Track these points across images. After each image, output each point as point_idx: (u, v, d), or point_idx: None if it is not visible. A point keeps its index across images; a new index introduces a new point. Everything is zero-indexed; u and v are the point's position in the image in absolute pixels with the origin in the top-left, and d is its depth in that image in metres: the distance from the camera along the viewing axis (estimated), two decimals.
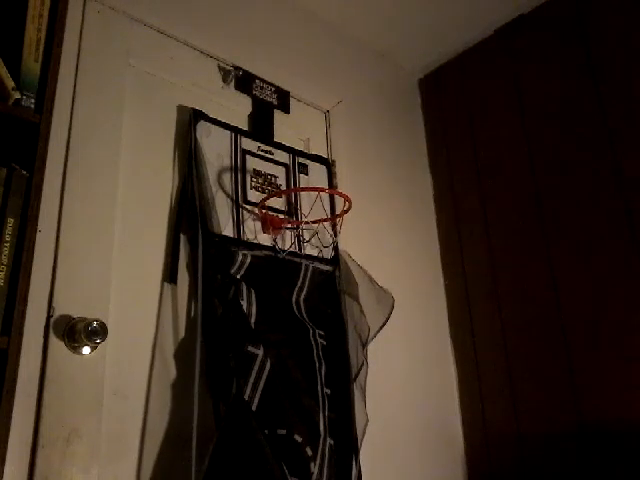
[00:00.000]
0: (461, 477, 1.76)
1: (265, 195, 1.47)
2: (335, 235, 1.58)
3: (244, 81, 1.60)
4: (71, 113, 1.24)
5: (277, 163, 1.57)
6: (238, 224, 1.41)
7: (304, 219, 1.53)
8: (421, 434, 1.70)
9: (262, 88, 1.64)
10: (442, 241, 2.02)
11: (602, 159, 1.63)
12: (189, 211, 1.32)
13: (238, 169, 1.47)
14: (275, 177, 1.55)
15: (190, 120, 1.40)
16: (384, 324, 1.51)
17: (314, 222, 1.52)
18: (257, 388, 1.21)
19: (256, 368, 1.22)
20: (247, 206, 1.45)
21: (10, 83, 0.97)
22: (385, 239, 1.84)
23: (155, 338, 1.23)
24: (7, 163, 0.97)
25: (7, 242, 0.92)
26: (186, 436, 1.15)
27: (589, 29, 1.73)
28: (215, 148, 1.43)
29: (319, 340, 1.39)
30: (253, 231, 1.45)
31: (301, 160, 1.64)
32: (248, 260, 1.36)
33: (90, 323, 1.05)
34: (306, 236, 1.56)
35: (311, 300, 1.45)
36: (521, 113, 1.86)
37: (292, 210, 1.56)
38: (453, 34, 2.03)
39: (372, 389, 1.49)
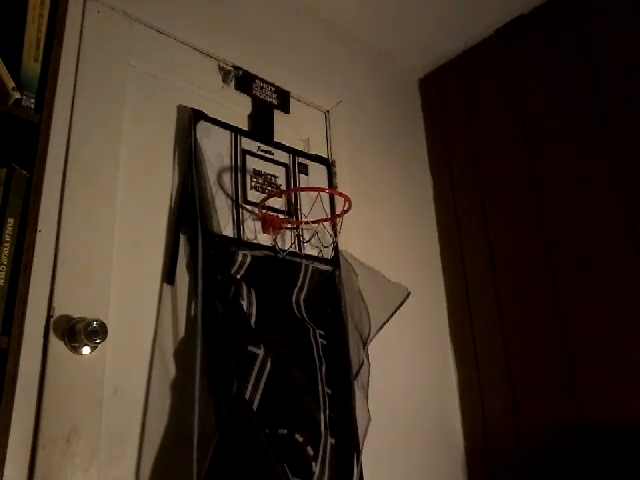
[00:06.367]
0: (461, 476, 1.76)
1: (265, 195, 1.47)
2: (335, 235, 1.59)
3: (244, 81, 1.60)
4: (71, 113, 1.24)
5: (277, 163, 1.57)
6: (238, 224, 1.41)
7: (304, 219, 1.53)
8: (421, 434, 1.70)
9: (262, 88, 1.64)
10: (442, 241, 2.02)
11: (602, 158, 1.63)
12: (189, 211, 1.32)
13: (238, 169, 1.47)
14: (275, 177, 1.55)
15: (190, 120, 1.40)
16: (388, 319, 1.52)
17: (314, 222, 1.52)
18: (258, 388, 1.21)
19: (257, 368, 1.22)
20: (247, 206, 1.45)
21: (10, 83, 0.97)
22: (385, 239, 1.84)
23: (154, 338, 1.23)
24: (7, 163, 0.97)
25: (7, 242, 0.92)
26: (186, 436, 1.15)
27: (589, 29, 1.73)
28: (215, 148, 1.43)
29: (319, 340, 1.39)
30: (253, 231, 1.45)
31: (301, 160, 1.64)
32: (248, 260, 1.36)
33: (90, 323, 1.05)
34: (306, 236, 1.56)
35: (311, 300, 1.45)
36: (521, 113, 1.86)
37: (292, 210, 1.56)
38: (453, 34, 2.03)
39: (372, 389, 1.48)
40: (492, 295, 1.83)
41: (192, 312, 1.29)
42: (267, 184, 1.52)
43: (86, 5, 1.34)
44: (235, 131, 1.50)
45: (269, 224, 1.46)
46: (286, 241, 1.51)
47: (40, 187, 0.98)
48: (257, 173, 1.51)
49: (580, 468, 1.54)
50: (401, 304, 1.56)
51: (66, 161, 1.21)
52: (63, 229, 1.16)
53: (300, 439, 1.20)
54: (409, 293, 1.58)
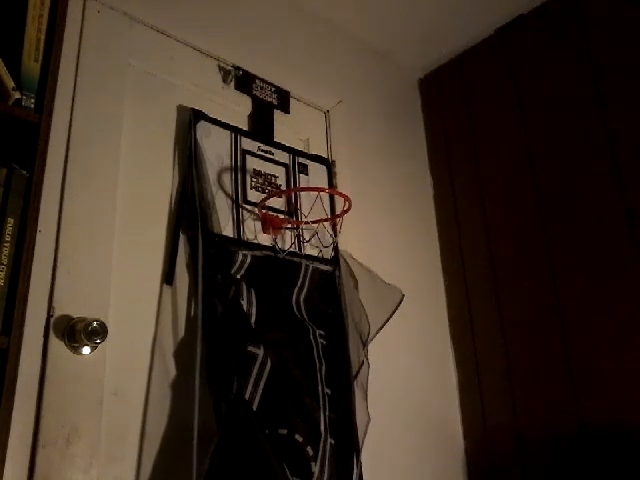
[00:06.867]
0: (461, 476, 1.76)
1: (265, 195, 1.48)
2: (335, 235, 1.59)
3: (244, 81, 1.60)
4: (71, 113, 1.24)
5: (277, 163, 1.57)
6: (238, 224, 1.41)
7: (304, 219, 1.53)
8: (421, 434, 1.70)
9: (262, 88, 1.64)
10: (442, 241, 2.02)
11: (602, 159, 1.63)
12: (189, 211, 1.32)
13: (238, 169, 1.47)
14: (275, 177, 1.55)
15: (190, 120, 1.40)
16: (387, 321, 1.52)
17: (314, 222, 1.52)
18: (258, 388, 1.21)
19: (256, 368, 1.22)
20: (247, 206, 1.45)
21: (10, 83, 0.97)
22: (385, 239, 1.84)
23: (154, 338, 1.23)
24: (7, 163, 0.97)
25: (7, 242, 0.92)
26: (186, 436, 1.15)
27: (589, 29, 1.73)
28: (215, 148, 1.43)
29: (319, 340, 1.39)
30: (253, 231, 1.45)
31: (301, 160, 1.64)
32: (248, 260, 1.36)
33: (90, 323, 1.05)
34: (306, 236, 1.56)
35: (311, 300, 1.45)
36: (521, 113, 1.86)
37: (292, 210, 1.56)
38: (453, 34, 2.03)
39: (372, 389, 1.49)
40: (492, 295, 1.83)
41: (192, 312, 1.29)
42: (267, 184, 1.52)
43: (86, 5, 1.34)
44: (235, 131, 1.50)
45: (269, 224, 1.46)
46: (286, 241, 1.51)
47: (40, 187, 0.98)
48: (257, 173, 1.51)
49: (580, 468, 1.54)
50: (397, 307, 1.55)
51: (66, 161, 1.21)
52: (63, 229, 1.16)
53: (300, 439, 1.21)
54: (403, 296, 1.57)
